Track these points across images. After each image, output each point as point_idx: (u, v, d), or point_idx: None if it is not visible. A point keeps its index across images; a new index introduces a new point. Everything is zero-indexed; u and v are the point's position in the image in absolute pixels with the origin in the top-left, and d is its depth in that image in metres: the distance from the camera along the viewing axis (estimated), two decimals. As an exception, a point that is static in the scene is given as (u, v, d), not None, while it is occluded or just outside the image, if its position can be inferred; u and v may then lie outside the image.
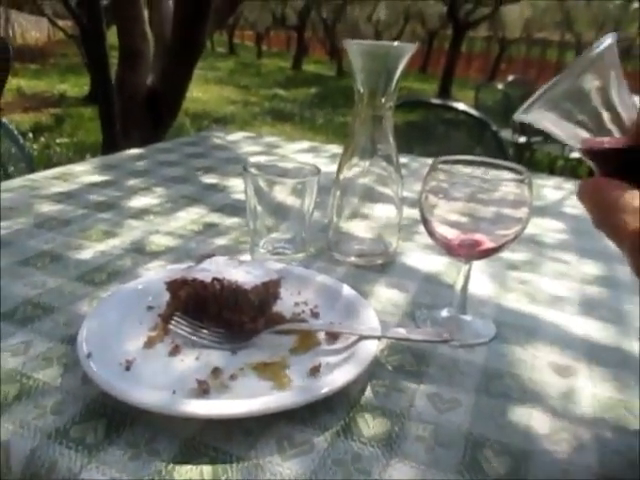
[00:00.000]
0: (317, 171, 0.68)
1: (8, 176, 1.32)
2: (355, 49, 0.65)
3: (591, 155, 0.37)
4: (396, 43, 0.66)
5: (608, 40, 0.36)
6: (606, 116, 0.36)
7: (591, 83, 0.36)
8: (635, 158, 0.34)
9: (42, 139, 4.69)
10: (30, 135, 4.44)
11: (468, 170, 0.55)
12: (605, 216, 0.33)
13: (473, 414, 0.45)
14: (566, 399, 0.47)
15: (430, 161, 1.27)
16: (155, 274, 0.61)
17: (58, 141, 4.73)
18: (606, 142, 0.36)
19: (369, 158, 0.70)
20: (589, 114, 0.36)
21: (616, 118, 0.36)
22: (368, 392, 0.47)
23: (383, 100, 0.67)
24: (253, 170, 0.68)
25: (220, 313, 0.52)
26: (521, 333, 0.57)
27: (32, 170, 1.28)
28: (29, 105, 6.15)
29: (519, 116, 0.39)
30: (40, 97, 6.83)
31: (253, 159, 0.71)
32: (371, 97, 0.68)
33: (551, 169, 4.27)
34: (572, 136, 0.37)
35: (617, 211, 0.32)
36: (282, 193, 0.68)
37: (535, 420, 0.45)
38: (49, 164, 3.61)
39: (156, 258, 0.71)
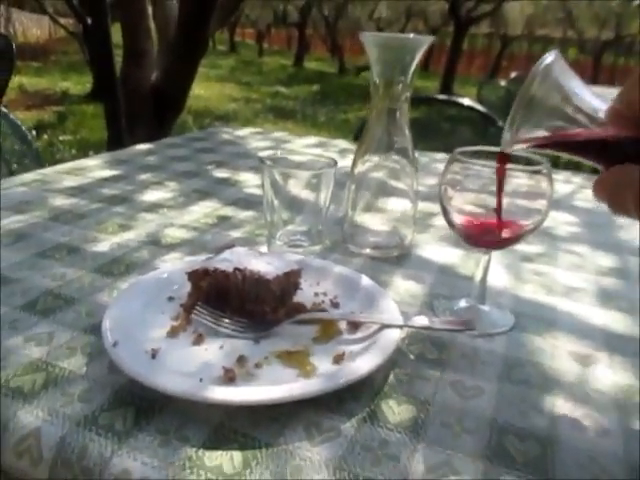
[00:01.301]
0: (334, 163, 0.68)
1: (12, 173, 1.33)
2: (371, 41, 0.65)
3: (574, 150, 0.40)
4: (412, 35, 0.66)
5: (550, 57, 0.40)
6: (577, 116, 0.39)
7: (548, 93, 0.39)
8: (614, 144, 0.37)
9: (45, 136, 4.70)
10: (33, 132, 4.44)
11: (486, 162, 0.56)
12: (621, 196, 0.34)
13: (497, 401, 0.45)
14: (588, 387, 0.48)
15: (438, 156, 1.27)
16: (174, 265, 0.61)
17: (61, 138, 4.74)
18: (582, 134, 0.38)
19: (385, 151, 0.70)
20: (559, 118, 0.39)
21: (585, 115, 0.38)
22: (391, 380, 0.47)
23: (399, 92, 0.68)
24: (269, 163, 0.68)
25: (242, 303, 0.52)
26: (540, 323, 0.58)
27: (40, 166, 1.29)
28: (32, 103, 6.16)
29: (506, 148, 0.43)
30: (42, 95, 6.83)
31: (263, 154, 0.71)
32: (387, 89, 0.68)
33: (555, 164, 4.27)
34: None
35: (631, 186, 0.33)
36: (298, 186, 0.69)
37: (558, 407, 0.45)
38: (53, 161, 3.62)
39: (172, 250, 0.71)
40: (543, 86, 0.39)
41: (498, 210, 0.50)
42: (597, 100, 0.38)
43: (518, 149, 0.44)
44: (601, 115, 0.37)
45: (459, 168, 0.54)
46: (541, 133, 0.41)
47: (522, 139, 0.42)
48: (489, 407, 0.44)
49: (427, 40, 0.65)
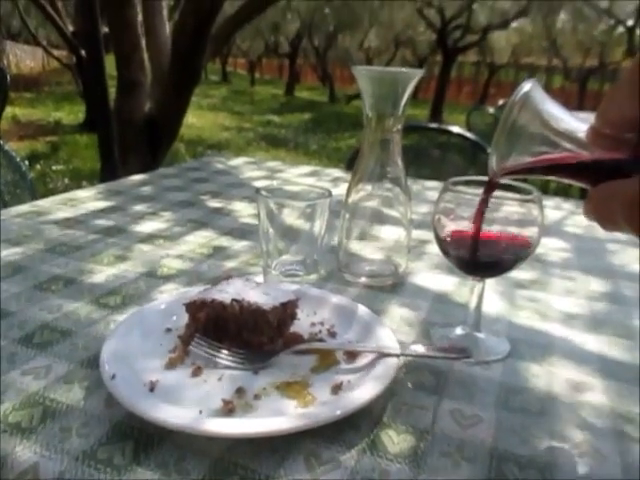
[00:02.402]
0: (329, 194, 0.69)
1: (5, 204, 1.33)
2: (364, 75, 0.67)
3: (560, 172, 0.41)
4: (404, 69, 0.68)
5: (528, 85, 0.41)
6: (559, 140, 0.39)
7: (528, 120, 0.40)
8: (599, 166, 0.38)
9: (38, 166, 4.71)
10: (26, 162, 4.45)
11: (479, 190, 0.57)
12: (609, 211, 0.35)
13: (495, 429, 0.45)
14: (585, 413, 0.48)
15: (430, 184, 1.29)
16: (171, 297, 0.61)
17: (54, 168, 4.75)
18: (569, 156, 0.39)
19: (378, 181, 0.72)
20: (542, 144, 0.40)
21: (568, 138, 0.39)
22: (390, 409, 0.47)
23: (391, 123, 0.69)
24: (265, 193, 0.69)
25: (240, 334, 0.53)
26: (535, 350, 0.58)
27: (34, 197, 1.29)
28: (24, 133, 6.18)
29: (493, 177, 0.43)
30: (35, 125, 6.87)
31: (257, 183, 0.72)
32: (379, 121, 0.69)
33: (544, 190, 4.32)
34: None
35: (617, 200, 0.34)
36: (294, 216, 0.69)
37: (557, 434, 0.45)
38: (46, 191, 3.62)
39: (169, 281, 0.71)
40: (522, 114, 0.40)
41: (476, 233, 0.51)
42: (577, 122, 0.39)
43: (505, 179, 0.46)
44: (582, 136, 0.38)
45: (452, 197, 0.55)
46: (525, 159, 0.41)
47: (507, 167, 0.43)
48: (488, 435, 0.45)
49: (418, 73, 0.67)
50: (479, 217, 0.50)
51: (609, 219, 0.35)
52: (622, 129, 0.35)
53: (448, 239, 0.55)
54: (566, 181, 0.42)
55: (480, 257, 0.53)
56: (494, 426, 0.46)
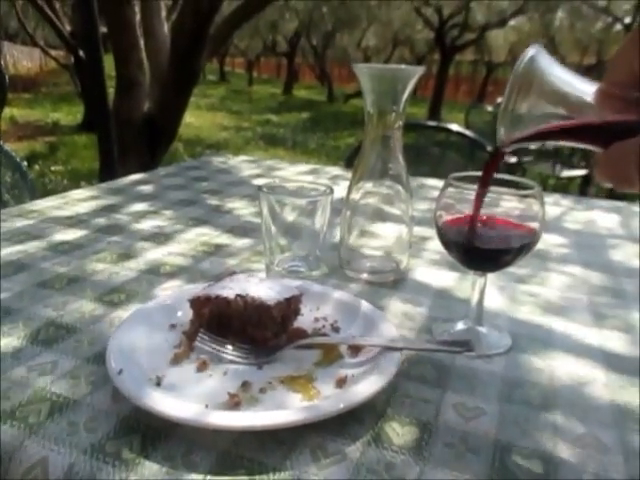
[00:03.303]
0: (330, 191, 0.70)
1: (5, 204, 1.33)
2: (365, 72, 0.67)
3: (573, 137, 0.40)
4: (404, 66, 0.68)
5: (533, 49, 0.40)
6: (568, 103, 0.39)
7: (535, 86, 0.39)
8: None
9: (37, 167, 4.71)
10: (25, 163, 4.45)
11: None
12: (624, 170, 0.34)
13: (498, 421, 0.46)
14: (587, 405, 0.49)
15: (429, 181, 1.29)
16: (175, 293, 0.62)
17: (53, 169, 4.75)
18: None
19: (379, 177, 0.72)
20: (550, 109, 0.39)
21: (576, 101, 0.38)
22: (394, 402, 0.48)
23: (392, 120, 0.69)
24: (267, 190, 0.69)
25: (244, 329, 0.53)
26: (537, 343, 0.59)
27: (34, 197, 1.29)
28: (23, 134, 6.18)
29: (505, 148, 0.43)
30: (33, 126, 6.86)
31: (257, 181, 0.72)
32: (380, 117, 0.70)
33: (543, 188, 4.33)
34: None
35: (632, 158, 0.33)
36: (296, 213, 0.70)
37: (559, 425, 0.46)
38: (45, 192, 3.62)
39: (171, 278, 0.72)
40: (529, 80, 0.40)
41: (476, 210, 0.51)
42: (585, 85, 0.38)
43: (514, 147, 0.44)
44: (591, 99, 0.37)
45: (453, 193, 0.55)
46: (533, 127, 0.41)
47: (515, 136, 0.42)
48: (491, 427, 0.45)
49: (418, 70, 0.67)
50: (485, 186, 0.50)
51: (624, 177, 0.34)
52: (630, 88, 0.35)
53: (449, 225, 0.55)
54: (576, 145, 0.41)
55: (482, 243, 0.54)
56: (497, 418, 0.46)
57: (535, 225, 0.54)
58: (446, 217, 0.55)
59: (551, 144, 0.43)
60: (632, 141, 0.34)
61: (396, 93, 0.68)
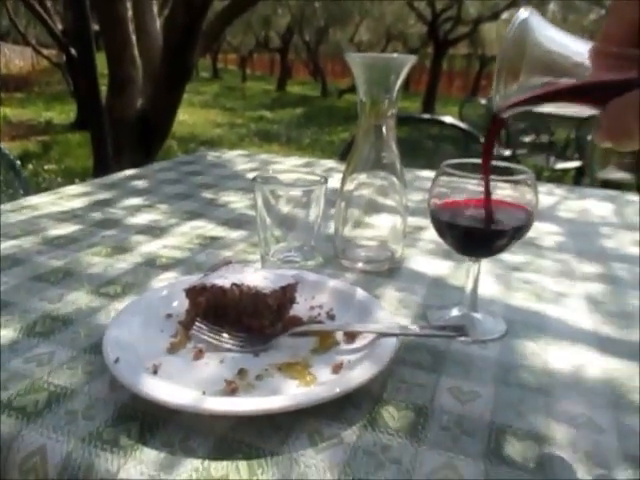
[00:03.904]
0: (324, 180, 0.70)
1: (-1, 200, 1.33)
2: (357, 61, 0.68)
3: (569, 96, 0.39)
4: (396, 55, 0.68)
5: (525, 12, 0.39)
6: (562, 65, 0.37)
7: (528, 48, 0.38)
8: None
9: (30, 166, 4.69)
10: (18, 162, 4.43)
11: (472, 174, 0.57)
12: (623, 123, 0.33)
13: (494, 404, 0.46)
14: (581, 387, 0.49)
15: (423, 173, 1.29)
16: (171, 284, 0.62)
17: (46, 167, 4.73)
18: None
19: (373, 167, 0.72)
20: (545, 72, 0.38)
21: (571, 62, 0.37)
22: (390, 387, 0.48)
23: (385, 108, 0.70)
24: (262, 181, 0.69)
25: (240, 318, 0.53)
26: (531, 329, 0.59)
27: (27, 195, 1.29)
28: (16, 133, 6.15)
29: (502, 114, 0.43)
30: (26, 125, 6.83)
31: (251, 175, 0.72)
32: (373, 106, 0.70)
33: (537, 177, 4.34)
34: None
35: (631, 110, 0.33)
36: (290, 203, 0.70)
37: (554, 407, 0.46)
38: (38, 190, 3.60)
39: (167, 270, 0.72)
40: (522, 44, 0.38)
41: (486, 177, 0.51)
42: (580, 45, 0.37)
43: (511, 112, 0.44)
44: (586, 60, 0.36)
45: (447, 181, 0.55)
46: (529, 90, 0.40)
47: (511, 101, 0.42)
48: (487, 410, 0.45)
49: (410, 59, 0.67)
50: (488, 153, 0.50)
51: (624, 132, 0.34)
52: (625, 42, 0.34)
53: (443, 209, 0.55)
54: (573, 109, 0.41)
55: (479, 223, 0.54)
56: (492, 401, 0.46)
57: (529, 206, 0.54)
58: (440, 202, 0.56)
59: (549, 107, 0.42)
60: (630, 94, 0.33)
61: (388, 82, 0.68)
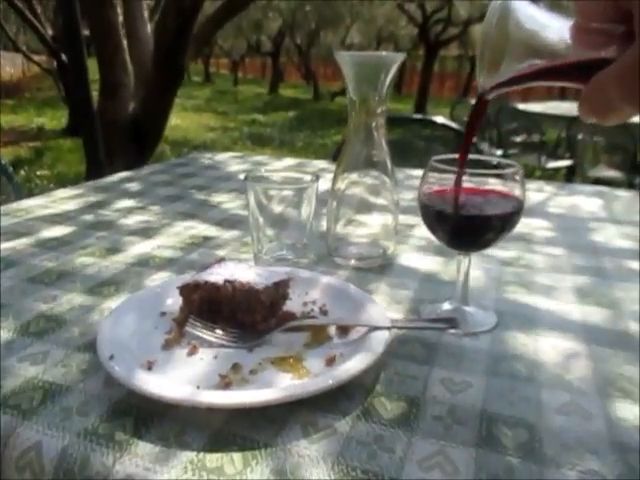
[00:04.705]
0: (316, 178, 0.70)
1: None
2: (347, 60, 0.68)
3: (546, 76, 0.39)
4: (385, 53, 0.69)
5: None
6: (545, 43, 0.37)
7: (510, 30, 0.38)
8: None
9: (22, 172, 4.67)
10: (10, 168, 4.41)
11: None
12: (603, 94, 0.34)
13: (485, 394, 0.47)
14: (571, 376, 0.50)
15: (414, 172, 1.30)
16: (164, 282, 0.62)
17: (39, 173, 4.71)
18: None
19: (364, 164, 0.73)
20: (527, 52, 0.38)
21: (555, 41, 0.37)
22: (382, 379, 0.49)
23: (375, 106, 0.70)
24: (253, 180, 0.70)
25: (233, 314, 0.54)
26: (522, 321, 0.60)
27: (20, 199, 1.29)
28: (7, 139, 6.12)
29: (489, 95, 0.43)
30: (18, 131, 6.81)
31: (244, 176, 0.73)
32: (363, 103, 0.70)
33: (528, 175, 4.37)
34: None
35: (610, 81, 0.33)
36: (282, 202, 0.71)
37: (544, 396, 0.47)
38: (31, 196, 3.59)
39: (161, 270, 0.72)
40: (503, 24, 0.38)
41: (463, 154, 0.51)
42: (561, 21, 0.37)
43: (496, 93, 0.44)
44: (568, 38, 0.36)
45: (436, 176, 0.56)
46: (512, 71, 0.40)
47: (495, 82, 0.42)
48: (478, 399, 0.46)
49: (399, 57, 0.68)
50: (471, 134, 0.51)
51: (608, 107, 0.34)
52: (605, 18, 0.34)
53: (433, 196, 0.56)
54: (558, 84, 0.41)
55: (466, 210, 0.55)
56: (483, 391, 0.47)
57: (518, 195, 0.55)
58: (429, 192, 0.56)
59: (533, 85, 0.41)
60: (610, 68, 0.33)
61: (378, 80, 0.69)
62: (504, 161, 0.57)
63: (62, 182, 4.31)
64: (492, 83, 0.42)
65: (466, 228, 0.57)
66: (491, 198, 0.55)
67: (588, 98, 0.35)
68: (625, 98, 0.32)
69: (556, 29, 0.37)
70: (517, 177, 0.55)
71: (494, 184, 0.56)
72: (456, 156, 0.57)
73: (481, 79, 0.42)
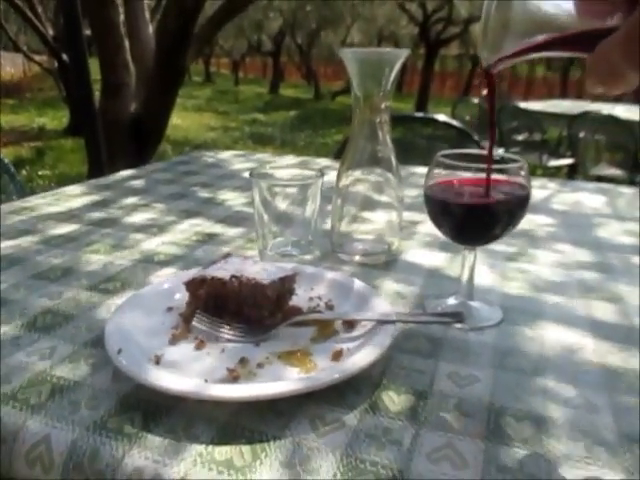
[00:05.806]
0: (321, 174, 0.71)
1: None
2: (351, 57, 0.68)
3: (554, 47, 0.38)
4: (388, 49, 0.69)
5: None
6: (549, 17, 0.37)
7: (513, 4, 0.38)
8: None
9: (24, 172, 4.68)
10: (12, 167, 4.42)
11: (467, 164, 0.58)
12: (609, 60, 0.33)
13: (492, 387, 0.47)
14: (577, 370, 0.50)
15: (417, 169, 1.30)
16: (171, 277, 0.62)
17: (40, 173, 4.72)
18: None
19: (368, 161, 0.73)
20: (532, 25, 0.38)
21: (558, 12, 0.36)
22: (389, 373, 0.49)
23: (379, 101, 0.70)
24: (259, 177, 0.70)
25: (240, 309, 0.54)
26: (527, 316, 0.60)
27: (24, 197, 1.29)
28: (8, 140, 6.13)
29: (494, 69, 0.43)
30: (19, 131, 6.81)
31: (247, 174, 0.73)
32: (367, 99, 0.71)
33: (532, 172, 4.37)
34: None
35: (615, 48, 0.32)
36: (287, 198, 0.71)
37: (551, 389, 0.47)
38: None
39: (166, 266, 0.72)
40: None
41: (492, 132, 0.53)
42: None
43: (501, 67, 0.44)
44: (572, 9, 0.35)
45: (442, 171, 0.56)
46: (516, 45, 0.39)
47: (500, 55, 0.41)
48: (485, 393, 0.46)
49: (404, 53, 0.68)
50: (492, 108, 0.53)
51: (614, 74, 0.33)
52: None
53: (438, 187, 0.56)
54: (564, 55, 0.39)
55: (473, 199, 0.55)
56: (490, 385, 0.47)
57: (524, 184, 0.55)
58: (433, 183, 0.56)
59: (538, 57, 0.42)
60: (614, 35, 0.32)
61: (382, 76, 0.69)
62: (508, 156, 0.57)
63: (64, 182, 4.31)
64: (497, 57, 0.42)
65: (473, 219, 0.57)
66: (498, 189, 0.55)
67: (593, 66, 0.34)
68: (629, 63, 0.32)
69: (559, 1, 0.36)
70: (522, 172, 0.55)
71: (499, 178, 0.56)
72: (462, 151, 0.57)
73: (485, 53, 0.42)
